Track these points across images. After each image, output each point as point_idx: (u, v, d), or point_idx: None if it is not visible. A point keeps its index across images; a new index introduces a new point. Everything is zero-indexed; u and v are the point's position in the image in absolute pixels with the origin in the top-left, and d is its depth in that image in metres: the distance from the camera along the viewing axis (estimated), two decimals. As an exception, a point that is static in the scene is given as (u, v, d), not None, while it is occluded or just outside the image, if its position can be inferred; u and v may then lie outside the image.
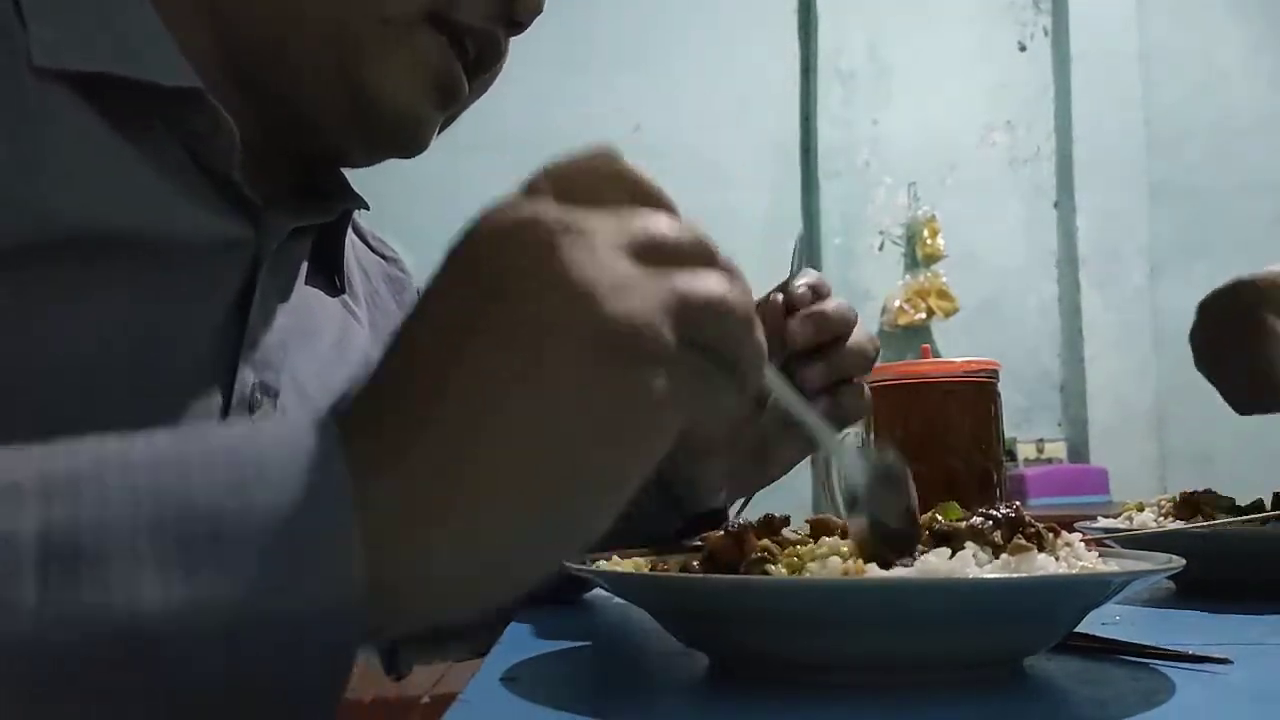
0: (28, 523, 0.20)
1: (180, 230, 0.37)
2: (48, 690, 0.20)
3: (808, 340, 0.48)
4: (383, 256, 0.55)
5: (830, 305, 0.49)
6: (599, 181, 0.25)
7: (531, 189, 0.25)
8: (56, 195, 0.33)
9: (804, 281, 0.49)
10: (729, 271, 0.25)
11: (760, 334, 0.25)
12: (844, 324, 0.48)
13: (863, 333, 0.50)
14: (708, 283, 0.24)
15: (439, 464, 0.22)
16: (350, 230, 0.50)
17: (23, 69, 0.34)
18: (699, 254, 0.24)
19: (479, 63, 0.43)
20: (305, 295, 0.45)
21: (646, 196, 0.25)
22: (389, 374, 0.24)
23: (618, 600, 0.39)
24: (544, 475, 0.22)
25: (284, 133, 0.43)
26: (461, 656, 0.54)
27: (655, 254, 0.23)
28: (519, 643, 0.40)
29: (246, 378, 0.39)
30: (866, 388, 0.51)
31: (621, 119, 2.06)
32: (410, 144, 0.43)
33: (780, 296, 0.48)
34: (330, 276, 0.48)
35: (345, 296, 0.49)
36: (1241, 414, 0.59)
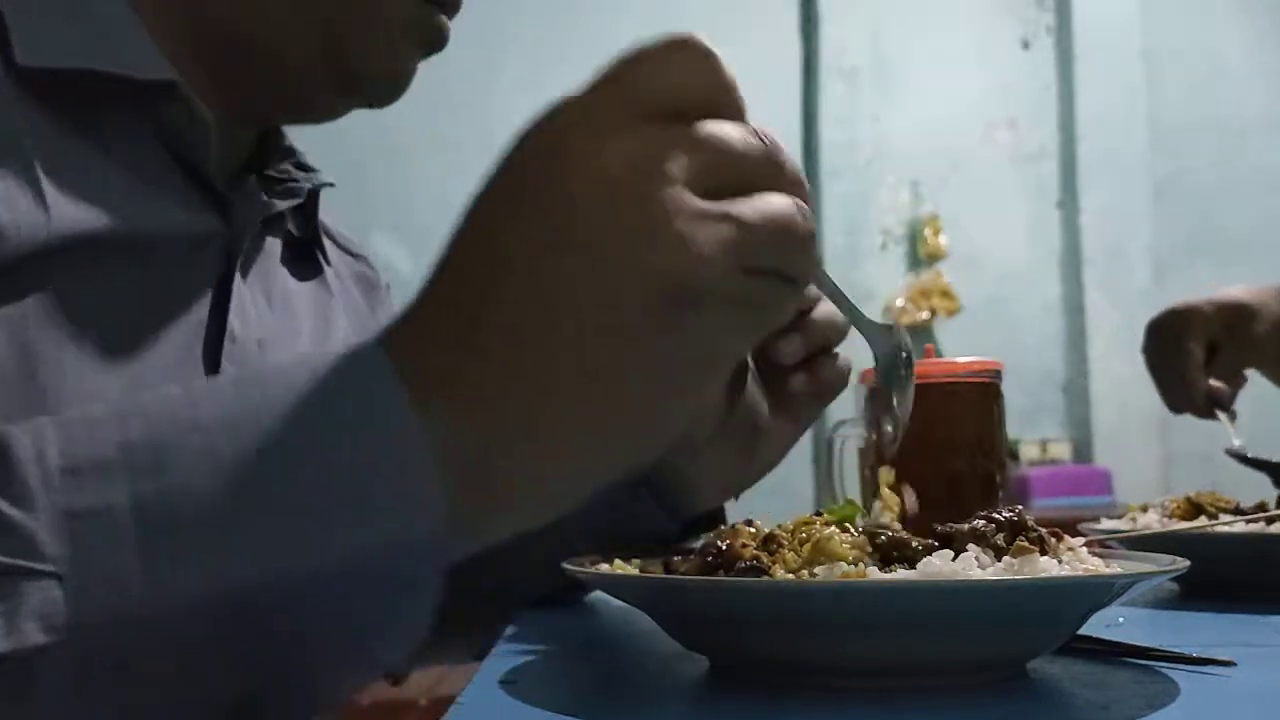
0: (120, 497, 0.21)
1: (155, 229, 0.37)
2: (163, 657, 0.20)
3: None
4: (351, 255, 0.55)
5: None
6: (678, 86, 0.25)
7: (606, 90, 0.25)
8: (46, 200, 0.33)
9: None
10: (793, 181, 0.25)
11: (815, 246, 0.25)
12: (809, 297, 0.48)
13: (831, 305, 0.49)
14: (771, 209, 0.24)
15: (498, 399, 0.23)
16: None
17: (7, 71, 0.34)
18: (766, 170, 0.24)
19: (452, 6, 0.43)
20: (282, 284, 0.45)
21: (722, 96, 0.25)
22: (442, 297, 0.24)
23: (617, 603, 0.39)
24: (600, 411, 0.23)
25: (252, 110, 0.43)
26: (459, 659, 0.54)
27: (723, 181, 0.24)
28: (517, 646, 0.40)
29: (228, 373, 0.38)
30: (845, 357, 0.50)
31: (623, 118, 2.06)
32: (394, 98, 0.44)
33: None
34: (303, 260, 0.48)
35: (328, 275, 0.49)
36: (1174, 414, 0.75)
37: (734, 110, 0.25)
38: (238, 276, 0.40)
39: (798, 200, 0.25)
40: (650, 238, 0.23)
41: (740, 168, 0.24)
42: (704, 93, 0.25)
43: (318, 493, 0.21)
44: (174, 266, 0.38)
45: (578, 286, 0.23)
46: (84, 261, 0.34)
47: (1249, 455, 0.70)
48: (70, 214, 0.33)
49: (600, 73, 0.25)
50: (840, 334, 0.49)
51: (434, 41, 0.43)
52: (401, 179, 1.93)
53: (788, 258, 0.24)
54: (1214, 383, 0.74)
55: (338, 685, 0.23)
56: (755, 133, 0.25)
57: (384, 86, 0.43)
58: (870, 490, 0.59)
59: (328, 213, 0.51)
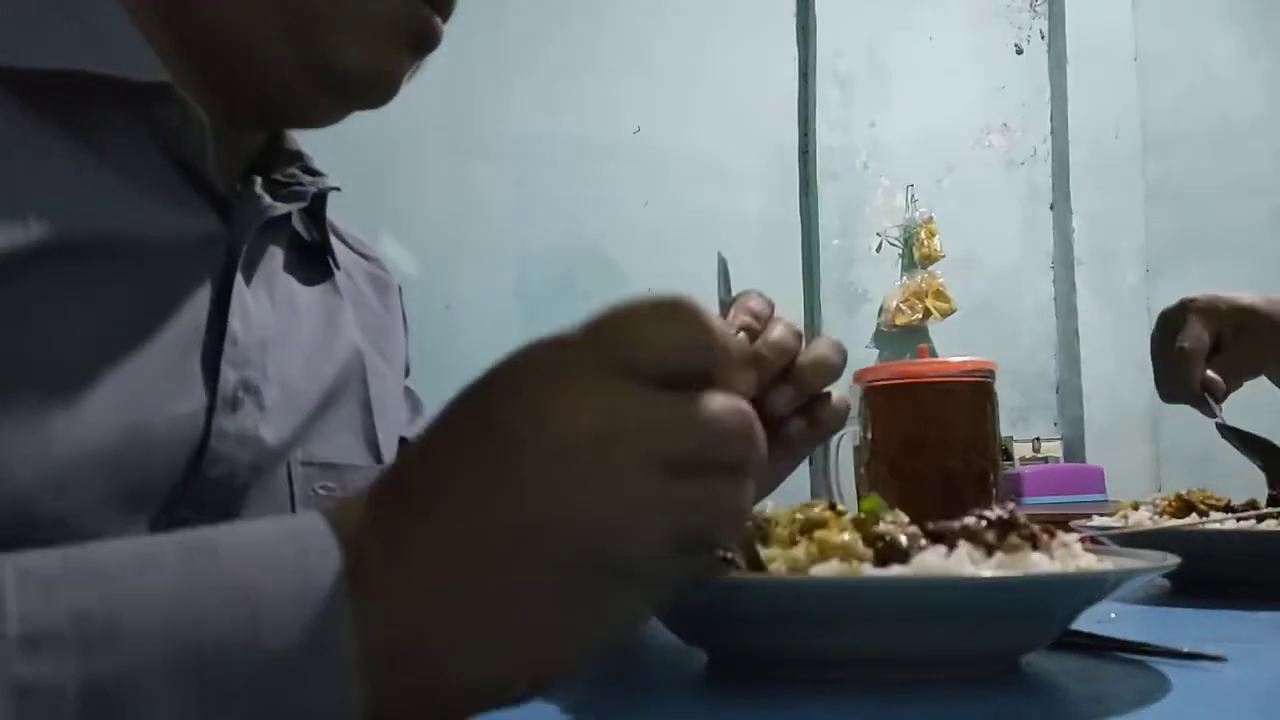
0: (71, 674, 0.21)
1: (152, 231, 0.36)
2: None
3: (753, 390, 0.46)
4: (363, 257, 0.55)
5: (774, 334, 0.47)
6: (663, 350, 0.24)
7: (586, 342, 0.24)
8: (33, 203, 0.33)
9: (738, 323, 0.47)
10: (758, 462, 0.25)
11: (744, 522, 0.26)
12: (786, 352, 0.47)
13: (823, 343, 0.49)
14: (721, 495, 0.24)
15: (427, 627, 0.24)
16: (330, 231, 0.49)
17: None
18: (735, 448, 0.25)
19: (442, 3, 0.42)
20: (286, 287, 0.44)
21: (710, 361, 0.25)
22: (397, 506, 0.25)
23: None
24: (511, 636, 0.24)
25: (246, 112, 0.43)
26: None
27: (685, 466, 0.24)
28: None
29: (228, 375, 0.38)
30: (836, 394, 0.50)
31: (622, 122, 2.07)
32: (383, 98, 0.43)
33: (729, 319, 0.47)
34: (311, 265, 0.47)
35: (335, 281, 0.49)
36: (1166, 402, 0.76)
37: (725, 375, 0.25)
38: (239, 278, 0.40)
39: (748, 480, 0.25)
40: (598, 513, 0.23)
41: (710, 445, 0.24)
42: (691, 359, 0.24)
43: (248, 678, 0.22)
44: (172, 269, 0.37)
45: (514, 528, 0.23)
46: (72, 264, 0.33)
47: (1241, 430, 0.69)
48: (55, 217, 0.33)
49: (583, 324, 0.25)
50: (833, 375, 0.49)
51: (422, 42, 0.42)
52: (409, 182, 1.93)
53: (718, 537, 0.26)
54: (1210, 374, 0.73)
55: None
56: (736, 409, 0.25)
57: (368, 87, 0.42)
58: (864, 487, 0.60)
59: (334, 216, 0.51)
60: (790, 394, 0.48)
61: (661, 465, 0.23)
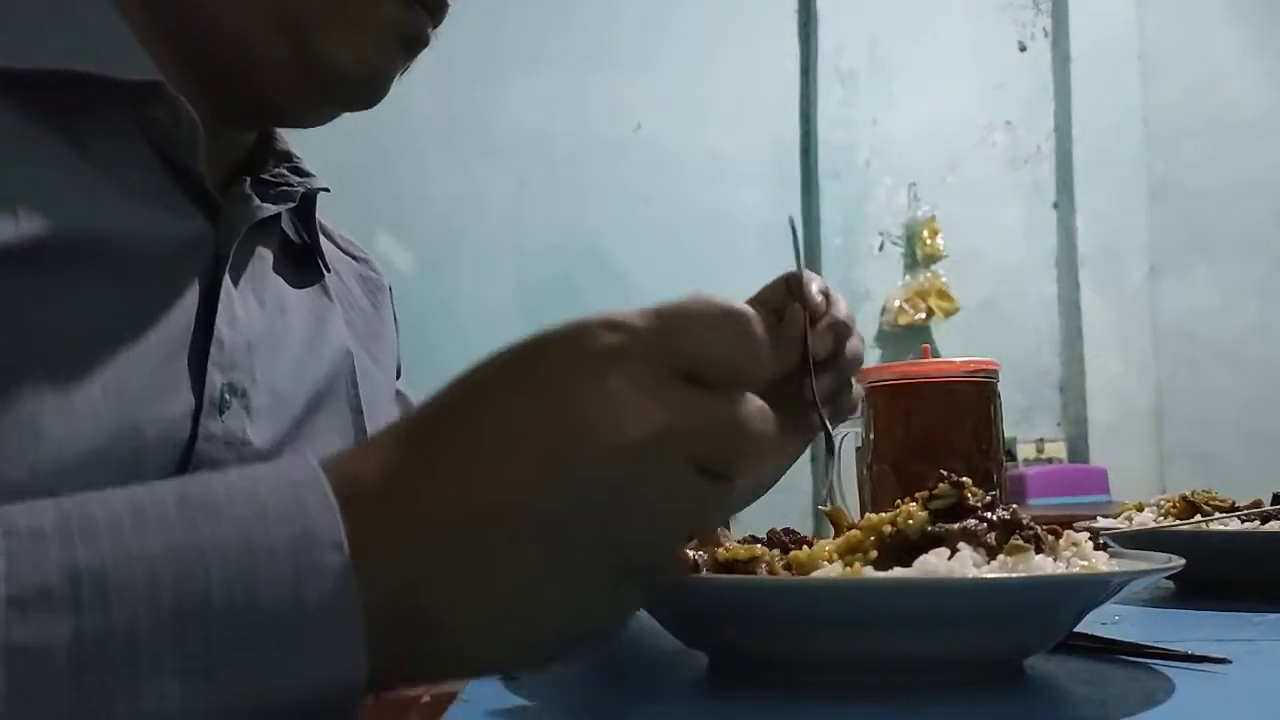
0: (61, 633, 0.21)
1: (141, 232, 0.36)
2: None
3: (828, 351, 0.54)
4: (353, 257, 0.54)
5: (841, 311, 0.54)
6: (719, 358, 0.25)
7: (647, 337, 0.25)
8: (23, 200, 0.32)
9: (816, 288, 0.54)
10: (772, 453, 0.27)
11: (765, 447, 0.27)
12: (849, 329, 0.54)
13: (856, 335, 0.56)
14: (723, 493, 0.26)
15: (435, 581, 0.23)
16: (320, 231, 0.49)
17: None
18: (759, 447, 0.26)
19: (436, 7, 0.42)
20: (275, 289, 0.44)
21: (753, 368, 0.26)
22: (410, 464, 0.24)
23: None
24: (524, 624, 0.24)
25: (236, 111, 0.42)
26: None
27: (718, 465, 0.25)
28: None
29: (215, 379, 0.38)
30: (856, 383, 0.56)
31: (622, 119, 2.06)
32: (374, 100, 0.43)
33: (798, 306, 0.53)
34: (301, 266, 0.47)
35: (324, 283, 0.48)
36: None
37: (760, 377, 0.26)
38: (227, 280, 0.39)
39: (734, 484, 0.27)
40: (645, 515, 0.24)
41: (742, 449, 0.26)
42: (739, 365, 0.26)
43: (248, 636, 0.22)
44: (159, 271, 0.37)
45: (550, 516, 0.23)
46: (60, 265, 0.33)
47: None
48: (44, 215, 0.33)
49: (642, 314, 0.25)
50: (861, 364, 0.55)
51: (413, 43, 0.42)
52: (408, 180, 1.93)
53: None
54: None
55: None
56: (765, 414, 0.26)
57: (360, 87, 0.42)
58: (868, 487, 0.59)
59: (328, 214, 0.50)
60: (833, 380, 0.54)
61: (705, 462, 0.25)
